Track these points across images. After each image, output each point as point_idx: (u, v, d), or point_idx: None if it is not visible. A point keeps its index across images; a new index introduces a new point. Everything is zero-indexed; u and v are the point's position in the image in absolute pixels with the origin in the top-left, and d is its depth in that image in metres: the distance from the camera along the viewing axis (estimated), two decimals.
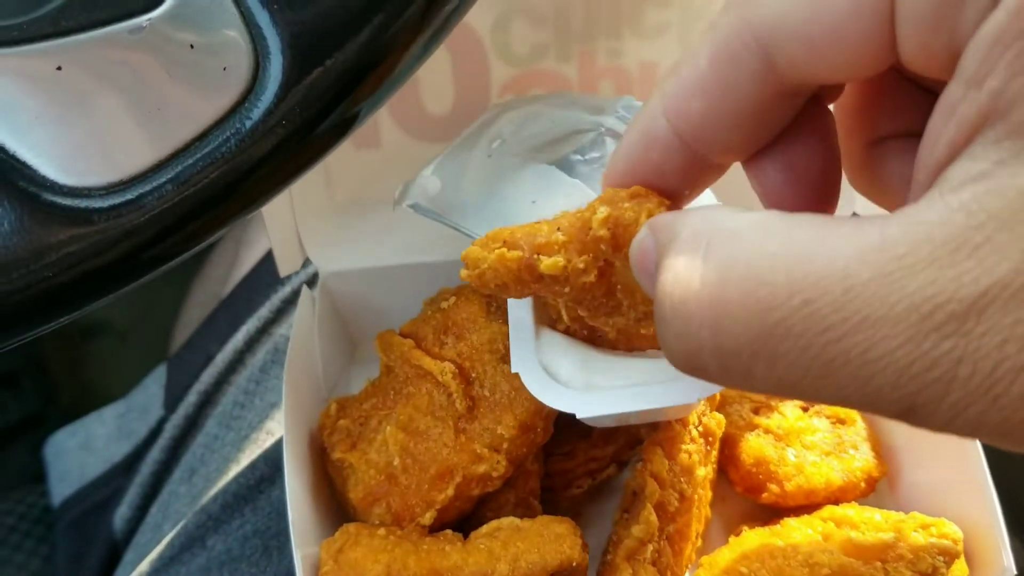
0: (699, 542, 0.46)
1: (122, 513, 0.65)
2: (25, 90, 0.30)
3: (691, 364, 0.24)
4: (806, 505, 0.46)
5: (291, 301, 0.63)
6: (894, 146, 0.28)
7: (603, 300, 0.35)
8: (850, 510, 0.44)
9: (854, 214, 0.51)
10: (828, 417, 0.50)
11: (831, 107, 0.29)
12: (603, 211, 0.31)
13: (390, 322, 0.49)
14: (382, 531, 0.42)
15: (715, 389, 0.41)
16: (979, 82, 0.20)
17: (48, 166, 0.30)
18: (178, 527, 0.54)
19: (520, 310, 0.40)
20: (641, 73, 0.52)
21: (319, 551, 0.43)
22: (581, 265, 0.33)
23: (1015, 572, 0.42)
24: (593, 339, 0.39)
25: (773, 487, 0.46)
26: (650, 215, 0.29)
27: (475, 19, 0.49)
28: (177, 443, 0.64)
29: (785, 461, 0.47)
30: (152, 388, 0.74)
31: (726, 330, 0.22)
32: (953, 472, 0.46)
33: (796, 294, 0.21)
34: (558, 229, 0.33)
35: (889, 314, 0.20)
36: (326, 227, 0.53)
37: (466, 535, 0.43)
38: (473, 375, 0.45)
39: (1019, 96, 0.19)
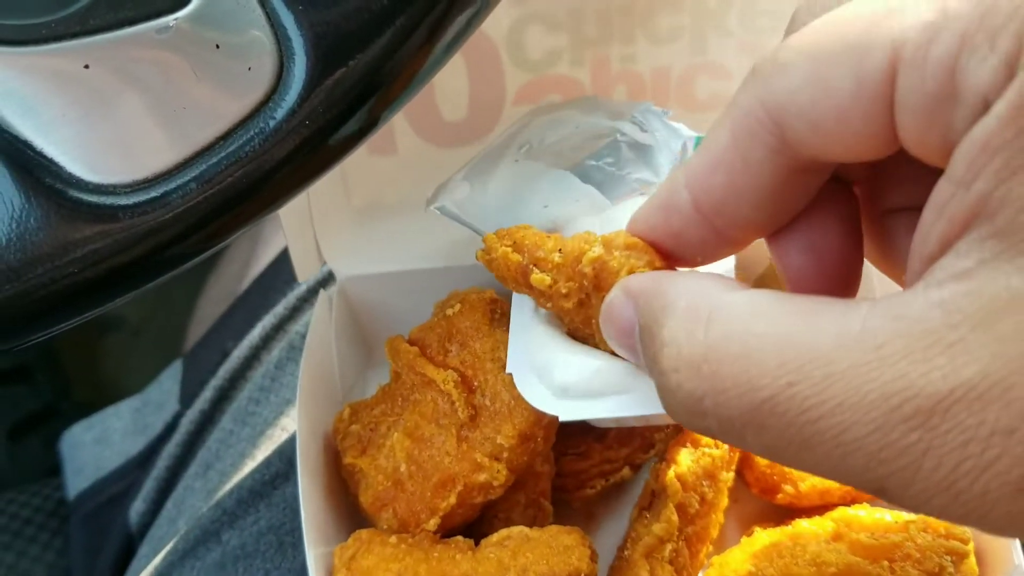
0: (710, 547, 0.46)
1: (137, 507, 0.65)
2: (52, 88, 0.30)
3: (695, 425, 0.25)
4: (821, 505, 0.46)
5: (307, 299, 0.64)
6: (903, 219, 0.29)
7: (579, 325, 0.37)
8: (861, 511, 0.44)
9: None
10: None
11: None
12: (596, 251, 0.32)
13: (406, 326, 0.49)
14: (393, 539, 0.43)
15: None
16: (967, 183, 0.21)
17: (74, 163, 0.30)
18: (193, 522, 0.55)
19: (523, 307, 0.41)
20: (654, 78, 0.52)
21: (332, 551, 0.43)
22: (564, 290, 0.35)
23: None
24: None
25: (788, 488, 0.47)
26: (631, 271, 0.30)
27: (490, 25, 0.49)
28: (193, 438, 0.64)
29: None
30: (168, 383, 0.74)
31: (723, 403, 0.23)
32: None
33: (782, 376, 0.22)
34: (559, 250, 0.36)
35: (862, 402, 0.21)
36: (343, 232, 0.53)
37: (477, 536, 0.43)
38: (475, 383, 0.45)
39: (1005, 201, 0.20)
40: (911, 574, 0.41)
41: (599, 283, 0.32)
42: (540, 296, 0.37)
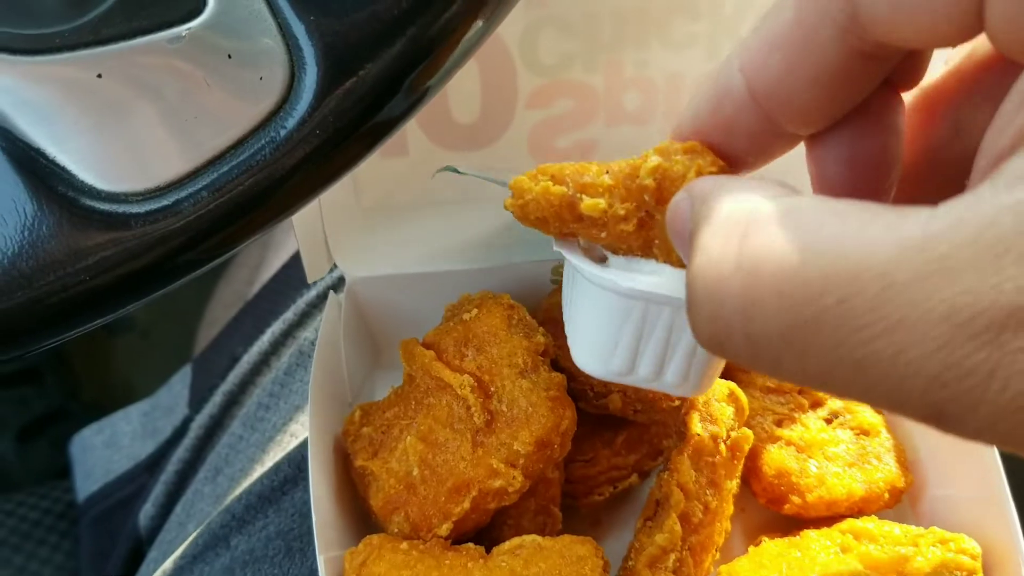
0: (717, 555, 0.46)
1: (146, 511, 0.66)
2: (66, 97, 0.30)
3: (720, 346, 0.23)
4: (828, 516, 0.46)
5: (316, 305, 0.64)
6: (953, 154, 0.28)
7: (638, 254, 0.34)
8: (870, 523, 0.44)
9: None
10: (852, 429, 0.50)
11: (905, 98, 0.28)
12: (653, 160, 0.30)
13: (415, 329, 0.49)
14: (404, 545, 0.43)
15: None
16: None
17: (87, 172, 0.31)
18: (202, 526, 0.55)
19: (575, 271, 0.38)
20: (667, 84, 0.52)
21: (342, 555, 0.43)
22: (622, 212, 0.32)
23: None
24: None
25: (795, 498, 0.46)
26: (699, 173, 0.29)
27: (503, 28, 0.49)
28: (202, 443, 0.64)
29: (807, 472, 0.47)
30: (177, 387, 0.75)
31: (757, 319, 0.21)
32: (974, 488, 0.46)
33: (831, 290, 0.20)
34: (607, 172, 0.32)
35: (924, 318, 0.19)
36: (354, 234, 0.53)
37: (486, 542, 0.43)
38: (492, 389, 0.44)
39: None
40: None
41: (662, 194, 0.30)
42: (592, 227, 0.34)
